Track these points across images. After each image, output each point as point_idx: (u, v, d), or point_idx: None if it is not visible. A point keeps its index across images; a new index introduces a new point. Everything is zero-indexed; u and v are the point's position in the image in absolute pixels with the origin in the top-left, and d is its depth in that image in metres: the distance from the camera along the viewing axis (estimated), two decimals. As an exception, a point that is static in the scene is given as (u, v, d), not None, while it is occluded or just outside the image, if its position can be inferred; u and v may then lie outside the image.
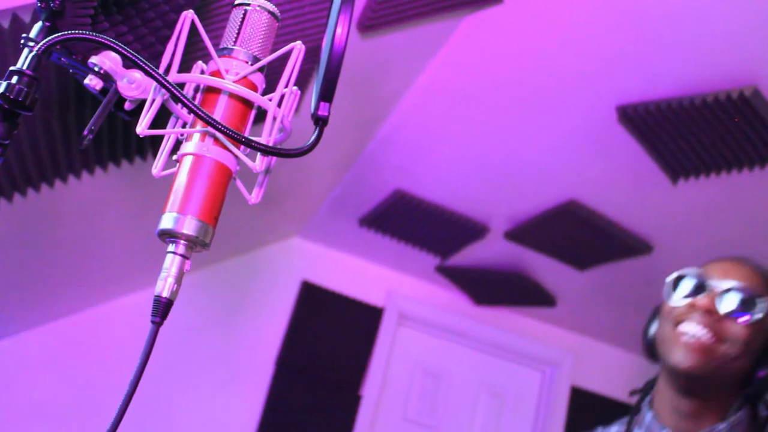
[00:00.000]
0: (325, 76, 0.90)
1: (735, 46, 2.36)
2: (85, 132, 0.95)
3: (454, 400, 4.71)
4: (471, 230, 3.85)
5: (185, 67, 0.95)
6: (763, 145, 2.62)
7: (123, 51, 0.84)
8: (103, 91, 0.95)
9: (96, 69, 0.93)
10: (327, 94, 0.90)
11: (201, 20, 0.98)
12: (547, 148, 3.10)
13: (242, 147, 0.90)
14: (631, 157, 2.96)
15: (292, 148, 0.87)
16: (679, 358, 1.49)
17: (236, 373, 4.20)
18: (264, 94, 0.96)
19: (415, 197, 3.67)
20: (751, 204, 3.07)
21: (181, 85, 0.93)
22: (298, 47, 0.94)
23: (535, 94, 2.81)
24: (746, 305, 1.49)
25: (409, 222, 3.92)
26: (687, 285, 1.58)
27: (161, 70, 0.90)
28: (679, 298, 1.57)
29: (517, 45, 2.60)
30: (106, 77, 0.94)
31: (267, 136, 0.91)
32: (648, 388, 1.70)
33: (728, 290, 1.51)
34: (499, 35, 2.57)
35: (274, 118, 0.92)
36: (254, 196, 0.96)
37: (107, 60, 0.93)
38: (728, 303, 1.50)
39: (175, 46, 0.93)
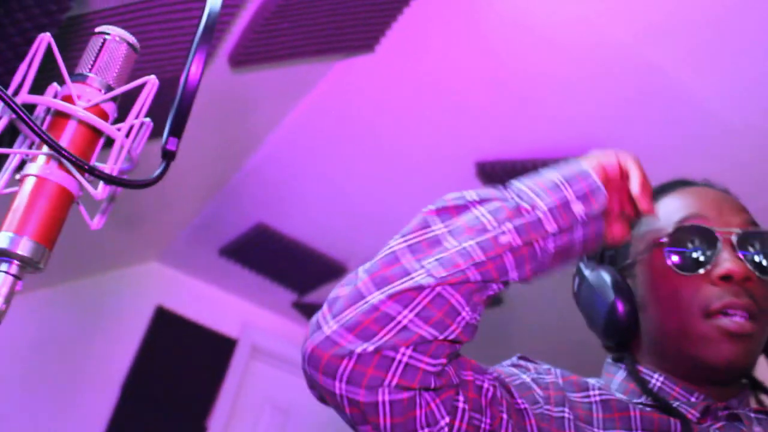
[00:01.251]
0: (176, 112, 0.92)
1: (584, 120, 2.50)
2: (-73, 143, 0.94)
3: (301, 437, 4.70)
4: (330, 269, 3.89)
5: (42, 86, 0.96)
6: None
7: (-28, 68, 0.85)
8: (-50, 105, 0.95)
9: (-56, 82, 0.92)
10: (176, 129, 0.93)
11: (68, 40, 0.99)
12: (406, 196, 3.18)
13: (86, 173, 0.91)
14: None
15: (135, 180, 0.89)
16: (721, 353, 1.05)
17: (78, 396, 4.07)
18: (115, 122, 0.98)
19: (277, 232, 3.69)
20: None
21: (32, 106, 0.94)
22: (151, 81, 0.97)
23: (399, 143, 2.90)
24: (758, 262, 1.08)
25: (270, 256, 3.93)
26: (689, 238, 1.10)
27: (11, 90, 0.90)
28: (690, 266, 1.09)
29: (385, 93, 2.68)
30: (-46, 91, 0.93)
31: (112, 164, 0.92)
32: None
33: (748, 238, 1.09)
34: (368, 82, 2.65)
35: (121, 148, 0.93)
36: (96, 222, 0.97)
37: (-43, 74, 0.93)
38: (756, 260, 1.08)
39: (29, 66, 0.94)
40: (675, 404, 1.08)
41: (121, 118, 1.01)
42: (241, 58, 2.33)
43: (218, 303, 4.57)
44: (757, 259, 1.08)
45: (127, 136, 0.95)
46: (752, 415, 1.08)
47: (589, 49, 2.28)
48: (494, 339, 4.17)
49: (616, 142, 2.56)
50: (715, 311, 1.05)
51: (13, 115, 0.92)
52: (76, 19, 1.58)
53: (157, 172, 0.92)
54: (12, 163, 0.95)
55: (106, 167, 0.92)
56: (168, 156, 0.93)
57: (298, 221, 3.62)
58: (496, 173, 2.82)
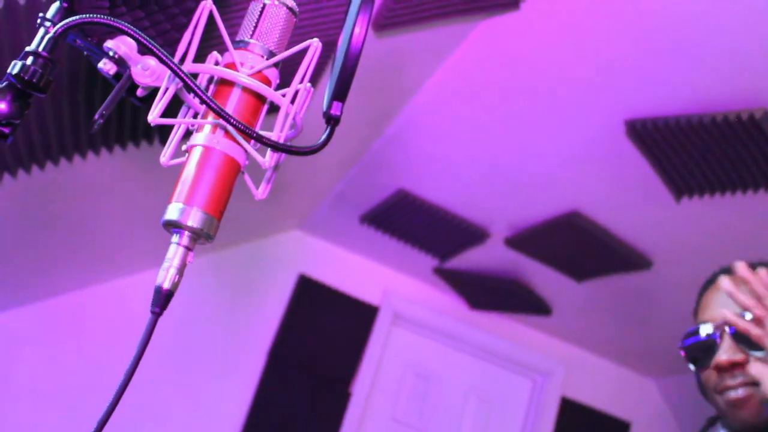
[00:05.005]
0: (340, 76, 0.89)
1: (747, 68, 2.35)
2: (96, 116, 0.94)
3: (443, 403, 4.70)
4: (471, 234, 3.85)
5: (200, 56, 0.95)
6: (770, 169, 2.61)
7: (140, 38, 0.83)
8: (117, 76, 0.95)
9: (111, 54, 0.92)
10: (340, 93, 0.90)
11: (219, 9, 0.98)
12: (553, 157, 3.10)
13: (252, 141, 0.89)
14: (636, 172, 2.95)
15: (302, 146, 0.87)
16: (737, 418, 1.42)
17: (228, 362, 4.19)
18: (277, 88, 0.96)
19: (418, 198, 3.67)
20: (755, 226, 3.06)
21: (195, 76, 0.92)
22: (314, 44, 0.94)
23: (545, 103, 2.81)
24: (748, 342, 1.40)
25: (411, 222, 3.91)
26: (697, 348, 1.49)
27: (176, 59, 0.89)
28: (702, 365, 1.49)
29: (530, 52, 2.59)
30: (121, 62, 0.93)
31: (278, 132, 0.90)
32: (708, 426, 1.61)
33: (727, 330, 1.43)
34: (512, 41, 2.57)
35: (287, 115, 0.91)
36: (261, 192, 0.95)
37: (123, 45, 0.92)
38: (737, 346, 1.42)
39: (192, 35, 0.92)
40: None
41: (282, 84, 0.99)
42: (384, 22, 2.29)
43: (360, 270, 4.60)
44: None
45: (292, 102, 0.93)
46: None
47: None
48: (641, 302, 4.04)
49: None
50: (722, 391, 1.43)
51: (180, 85, 0.91)
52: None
53: (323, 137, 0.89)
54: (177, 133, 0.94)
55: (272, 135, 0.90)
56: (333, 121, 0.90)
57: (438, 187, 3.58)
58: (647, 131, 2.70)
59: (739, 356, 1.40)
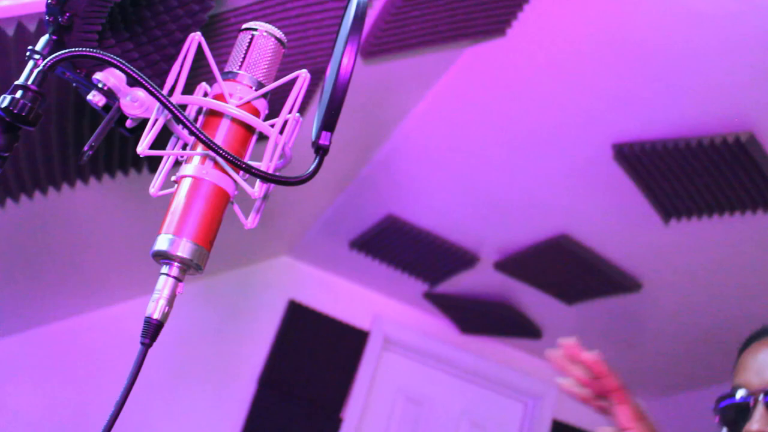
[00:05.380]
0: (329, 107, 0.89)
1: (733, 92, 2.38)
2: (86, 148, 0.95)
3: (435, 428, 4.68)
4: (461, 258, 3.85)
5: (190, 86, 0.95)
6: (756, 191, 2.63)
7: (129, 70, 0.84)
8: (106, 108, 0.96)
9: (100, 85, 0.93)
10: (329, 123, 0.90)
11: (208, 40, 0.98)
12: (542, 181, 3.11)
13: (242, 172, 0.90)
14: (624, 195, 2.97)
15: (291, 177, 0.87)
16: None
17: (218, 389, 4.17)
18: (267, 118, 0.96)
19: (407, 223, 3.68)
20: (742, 248, 3.08)
21: (184, 107, 0.93)
22: (303, 75, 0.94)
23: (533, 128, 2.83)
24: None
25: (400, 247, 3.92)
26: (730, 409, 1.41)
27: (165, 91, 0.90)
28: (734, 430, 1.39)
29: (517, 78, 2.61)
30: (110, 94, 0.94)
31: (267, 162, 0.91)
32: None
33: (760, 399, 1.34)
34: (499, 67, 2.59)
35: (275, 145, 0.92)
36: (251, 221, 0.95)
37: (111, 77, 0.93)
38: None
39: (181, 67, 0.93)
40: None
41: (270, 114, 0.99)
42: (372, 49, 2.31)
43: (349, 295, 4.60)
44: None
45: (281, 132, 0.93)
46: None
47: (731, 18, 2.16)
48: (631, 324, 4.05)
49: (762, 119, 2.42)
50: None
51: (169, 116, 0.91)
52: (216, 17, 1.59)
53: (312, 167, 0.90)
54: (166, 164, 0.95)
55: (262, 165, 0.90)
56: (321, 151, 0.91)
57: (427, 212, 3.59)
58: (635, 154, 2.71)
59: None
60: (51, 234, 2.81)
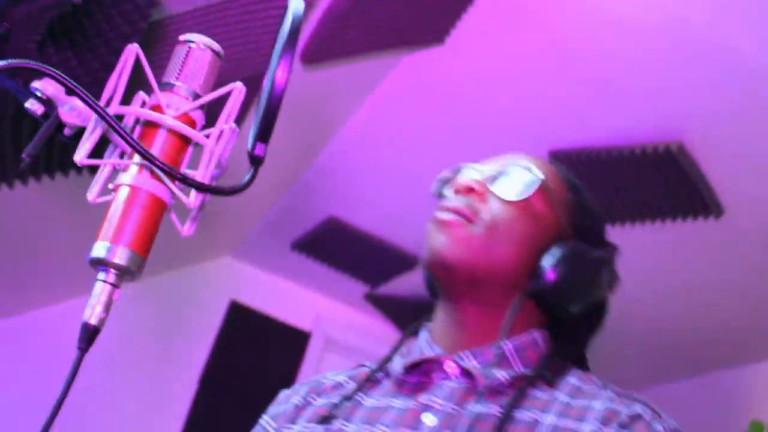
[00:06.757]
0: (263, 118, 0.92)
1: (665, 103, 2.46)
2: (24, 155, 0.96)
3: (376, 428, 4.71)
4: (402, 261, 3.89)
5: (129, 93, 0.97)
6: (686, 199, 2.71)
7: (65, 81, 0.86)
8: (45, 116, 0.97)
9: (38, 94, 0.94)
10: (264, 134, 0.93)
11: (148, 45, 1.00)
12: (479, 185, 3.16)
13: (177, 181, 0.92)
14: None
15: (225, 187, 0.90)
16: (428, 244, 1.19)
17: (159, 390, 4.15)
18: (204, 127, 0.98)
19: (348, 225, 3.70)
20: (672, 256, 3.16)
21: (121, 117, 0.95)
22: (238, 88, 0.97)
23: (472, 133, 2.87)
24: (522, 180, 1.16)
25: (342, 249, 3.94)
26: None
27: (103, 101, 0.92)
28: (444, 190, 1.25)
29: (455, 84, 2.66)
30: (48, 103, 0.95)
31: (203, 172, 0.93)
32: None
33: (501, 172, 1.20)
34: (438, 74, 2.63)
35: (211, 155, 0.94)
36: (186, 229, 0.98)
37: (50, 86, 0.94)
38: (497, 182, 1.18)
39: (118, 78, 0.95)
40: None
41: (207, 122, 1.02)
42: (313, 56, 2.34)
43: (291, 296, 4.61)
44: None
45: (216, 142, 0.96)
46: None
47: (662, 29, 2.23)
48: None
49: (691, 130, 2.50)
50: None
51: (106, 127, 0.93)
52: (155, 24, 1.60)
53: (247, 178, 0.93)
54: (104, 173, 0.97)
55: (197, 174, 0.93)
56: (256, 162, 0.94)
57: (369, 214, 3.63)
58: (571, 161, 2.78)
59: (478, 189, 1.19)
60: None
